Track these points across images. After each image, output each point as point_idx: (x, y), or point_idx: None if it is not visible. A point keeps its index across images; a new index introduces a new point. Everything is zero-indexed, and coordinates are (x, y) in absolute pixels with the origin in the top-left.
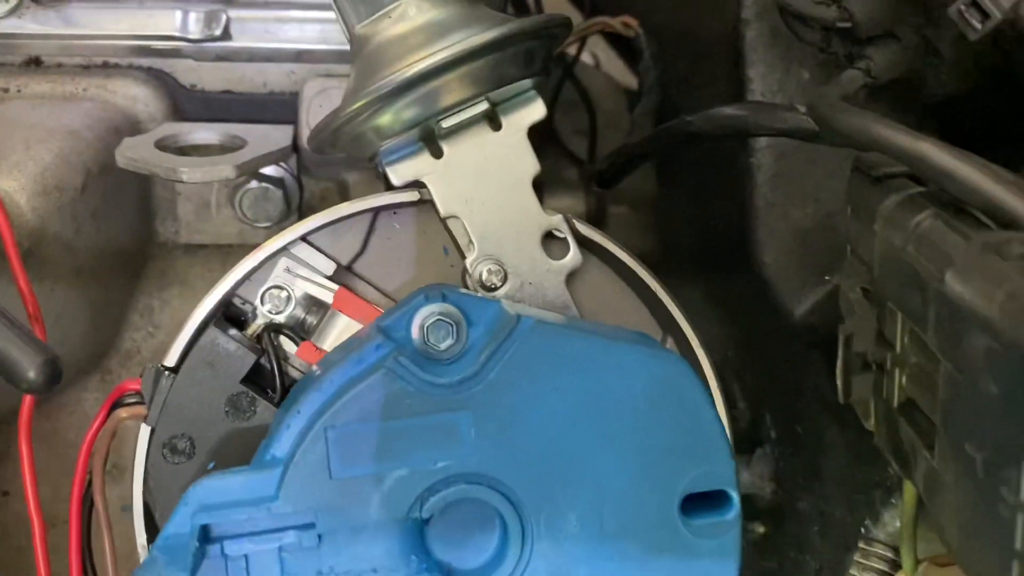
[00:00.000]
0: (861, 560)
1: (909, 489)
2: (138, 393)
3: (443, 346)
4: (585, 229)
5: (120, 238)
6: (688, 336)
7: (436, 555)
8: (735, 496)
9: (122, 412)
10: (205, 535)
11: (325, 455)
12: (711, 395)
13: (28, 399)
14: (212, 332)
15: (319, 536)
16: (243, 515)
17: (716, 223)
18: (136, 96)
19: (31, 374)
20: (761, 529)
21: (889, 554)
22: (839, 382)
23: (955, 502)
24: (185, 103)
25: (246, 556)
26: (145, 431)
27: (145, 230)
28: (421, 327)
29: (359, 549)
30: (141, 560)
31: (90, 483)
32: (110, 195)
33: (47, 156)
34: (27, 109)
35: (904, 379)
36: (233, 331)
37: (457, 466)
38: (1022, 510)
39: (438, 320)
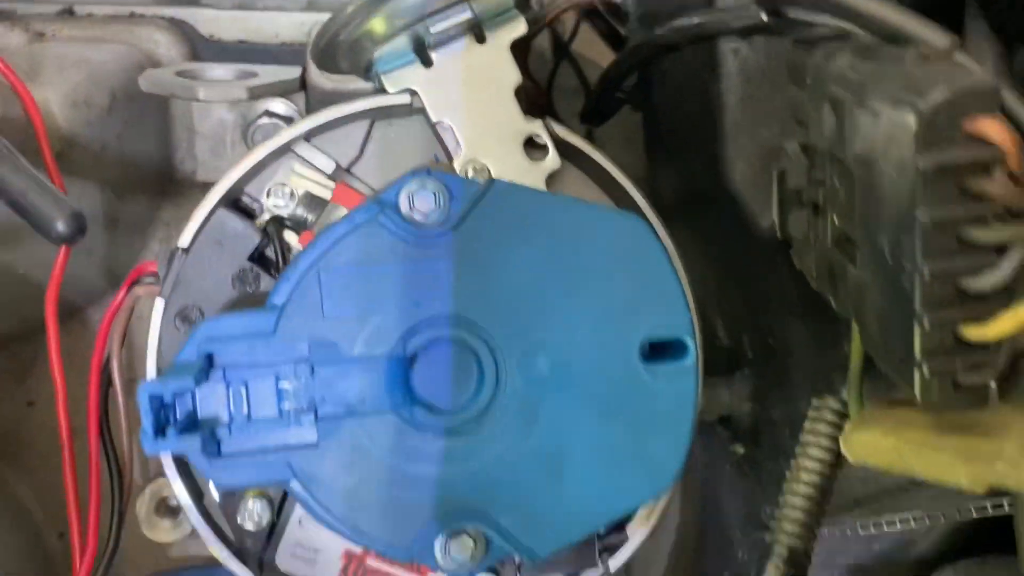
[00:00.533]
0: (813, 414)
1: (856, 339)
2: (154, 275)
3: (426, 211)
4: (564, 133)
5: (142, 167)
6: (661, 237)
7: (418, 392)
8: (692, 344)
9: (139, 290)
10: (210, 363)
11: (318, 296)
12: (668, 254)
13: (52, 309)
14: (221, 213)
15: (311, 368)
16: (244, 346)
17: (694, 158)
18: (159, 41)
19: (59, 225)
20: (741, 450)
21: (839, 406)
22: (776, 219)
23: (874, 301)
24: (203, 51)
25: (246, 383)
26: (159, 304)
27: (165, 166)
28: (408, 196)
29: (348, 383)
30: None
31: (108, 360)
32: (133, 122)
33: (77, 76)
34: (61, 46)
35: (835, 217)
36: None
37: (436, 309)
38: (918, 272)
39: (422, 190)
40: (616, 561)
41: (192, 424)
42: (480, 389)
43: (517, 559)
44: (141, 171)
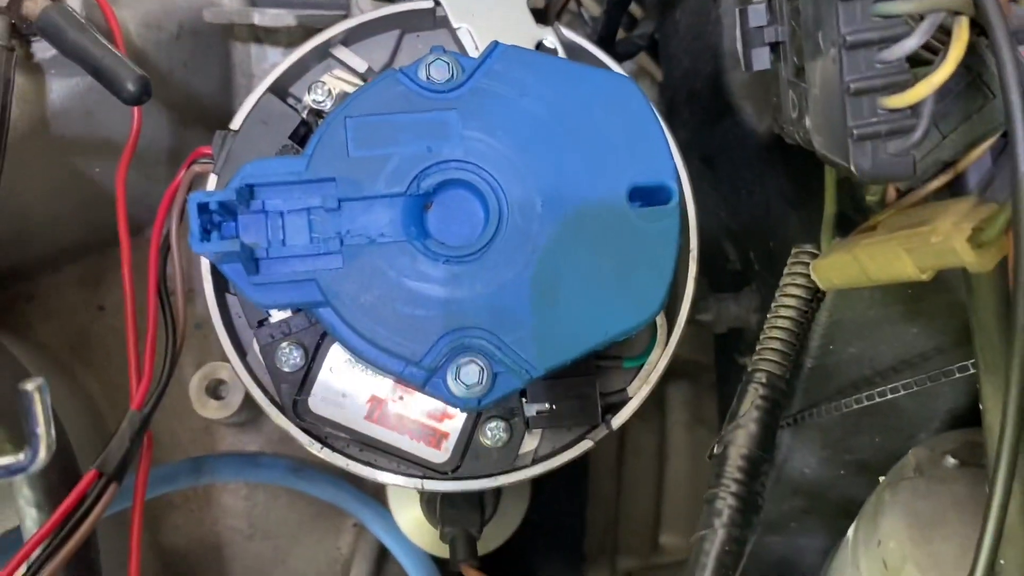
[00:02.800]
0: (791, 259)
1: (829, 181)
2: (210, 156)
3: (439, 78)
4: (572, 36)
5: (205, 102)
6: (668, 141)
7: (431, 226)
8: (674, 188)
9: (196, 168)
10: (251, 195)
11: (344, 139)
12: (654, 111)
13: (125, 230)
14: (267, 97)
15: (339, 202)
16: (281, 183)
17: (701, 81)
18: None
19: (130, 85)
20: (744, 361)
21: (814, 249)
22: (740, 56)
23: (820, 103)
24: (263, 2)
25: (282, 214)
26: (213, 179)
27: (226, 107)
28: (426, 66)
29: (370, 217)
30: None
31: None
32: (198, 56)
33: (151, 3)
34: None
35: (793, 53)
36: None
37: (446, 153)
38: (842, 43)
39: (438, 60)
40: (619, 419)
41: (234, 237)
42: (485, 224)
43: (526, 414)
44: (204, 106)
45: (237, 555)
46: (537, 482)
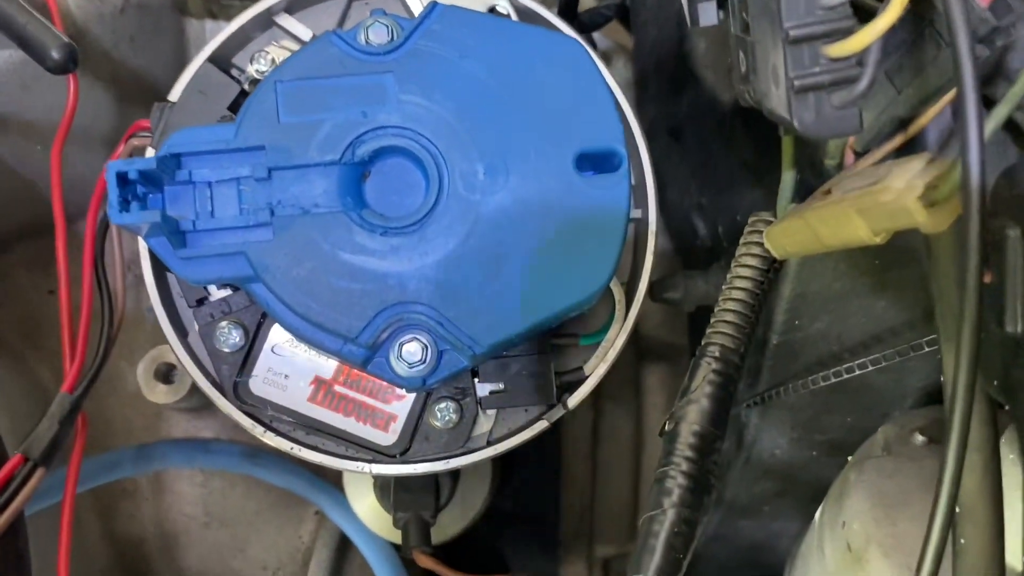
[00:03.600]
0: (748, 229)
1: (786, 146)
2: (148, 130)
3: (378, 41)
4: (526, 0)
5: (156, 74)
6: (625, 111)
7: (368, 197)
8: (623, 153)
9: (135, 142)
10: (177, 165)
11: (274, 104)
12: (602, 73)
13: (60, 211)
14: (205, 66)
15: (269, 171)
16: (209, 152)
17: (666, 52)
18: None
19: (54, 53)
20: None
21: (770, 217)
22: (686, 11)
23: (764, 56)
24: None
25: (210, 184)
26: (150, 153)
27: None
28: (364, 30)
29: (303, 187)
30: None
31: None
32: (147, 28)
33: None
34: None
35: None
36: None
37: (383, 119)
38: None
39: (376, 23)
40: (575, 399)
41: (156, 208)
42: (425, 194)
43: (478, 394)
44: (156, 83)
45: (193, 543)
46: (506, 467)
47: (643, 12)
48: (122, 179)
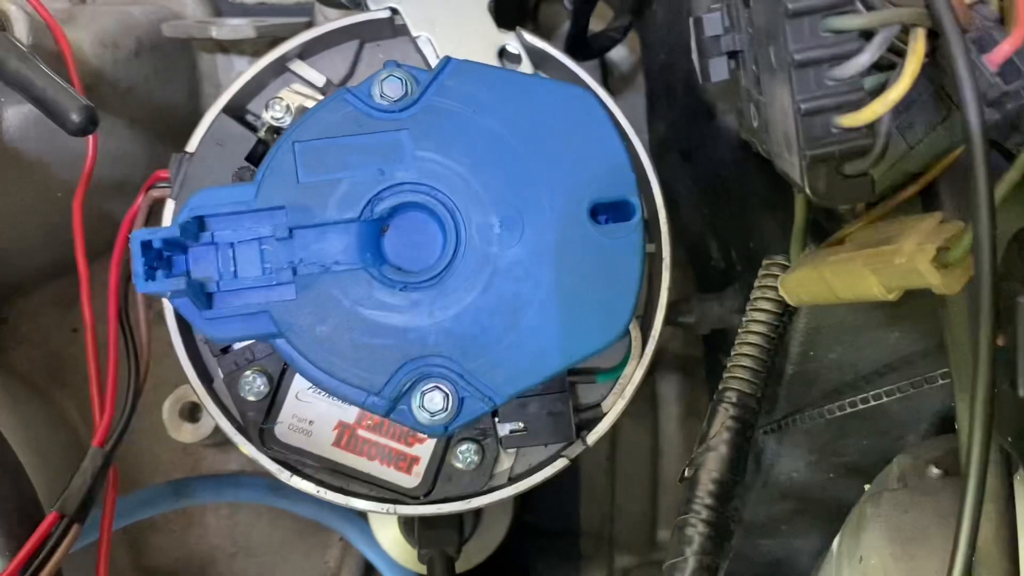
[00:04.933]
0: (762, 272)
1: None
2: (167, 180)
3: (393, 95)
4: (534, 40)
5: (171, 110)
6: (633, 142)
7: (387, 252)
8: (636, 203)
9: (154, 193)
10: (200, 227)
11: (293, 164)
12: (617, 123)
13: (83, 262)
14: (222, 118)
15: (290, 231)
16: (230, 213)
17: (677, 79)
18: (186, 3)
19: (74, 116)
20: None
21: (785, 261)
22: (697, 67)
23: (776, 118)
24: (226, 12)
25: (232, 245)
26: (170, 204)
27: (195, 118)
28: (378, 84)
29: (324, 245)
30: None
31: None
32: (161, 70)
33: (107, 21)
34: (98, 7)
35: (751, 61)
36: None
37: (400, 176)
38: (790, 60)
39: (391, 77)
40: (594, 436)
41: (181, 274)
42: (443, 248)
43: (499, 434)
44: (175, 118)
45: (222, 574)
46: None
47: (651, 33)
48: (146, 247)
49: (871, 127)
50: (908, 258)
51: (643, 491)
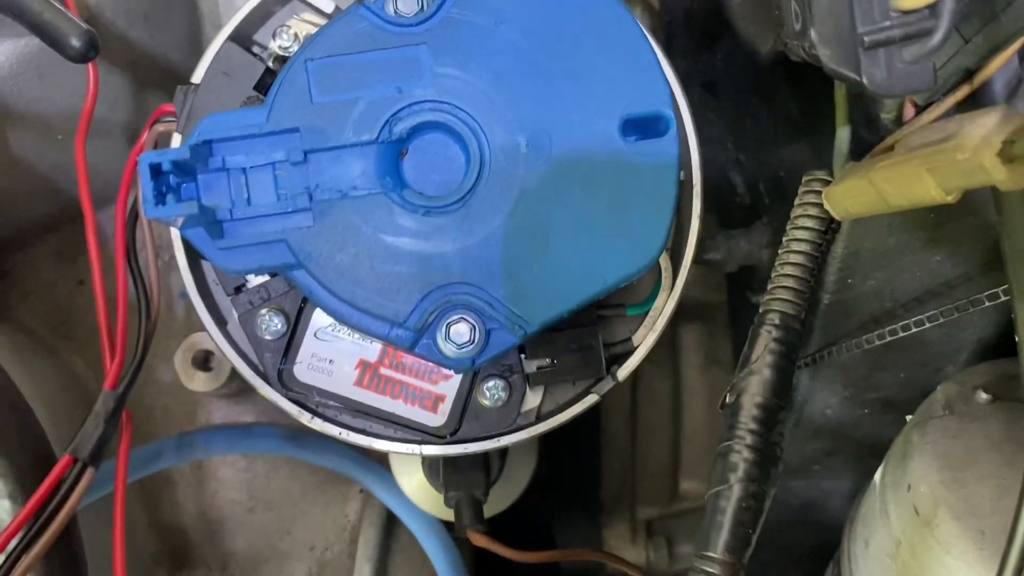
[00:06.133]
0: (803, 188)
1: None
2: (173, 114)
3: (407, 11)
4: None
5: (171, 54)
6: (665, 69)
7: (407, 176)
8: (671, 116)
9: (160, 127)
10: (209, 152)
11: (306, 84)
12: (645, 33)
13: (88, 203)
14: (228, 46)
15: (305, 154)
16: (241, 138)
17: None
18: None
19: (74, 41)
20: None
21: (826, 176)
22: None
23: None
24: None
25: (244, 171)
26: (177, 139)
27: (196, 56)
28: (393, 1)
29: (341, 169)
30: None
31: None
32: (161, 6)
33: None
34: None
35: None
36: None
37: (419, 94)
38: None
39: None
40: (624, 371)
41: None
42: (466, 170)
43: (526, 371)
44: (172, 63)
45: (240, 528)
46: (546, 436)
47: None
48: (155, 171)
49: (933, 8)
50: (972, 153)
51: (665, 442)
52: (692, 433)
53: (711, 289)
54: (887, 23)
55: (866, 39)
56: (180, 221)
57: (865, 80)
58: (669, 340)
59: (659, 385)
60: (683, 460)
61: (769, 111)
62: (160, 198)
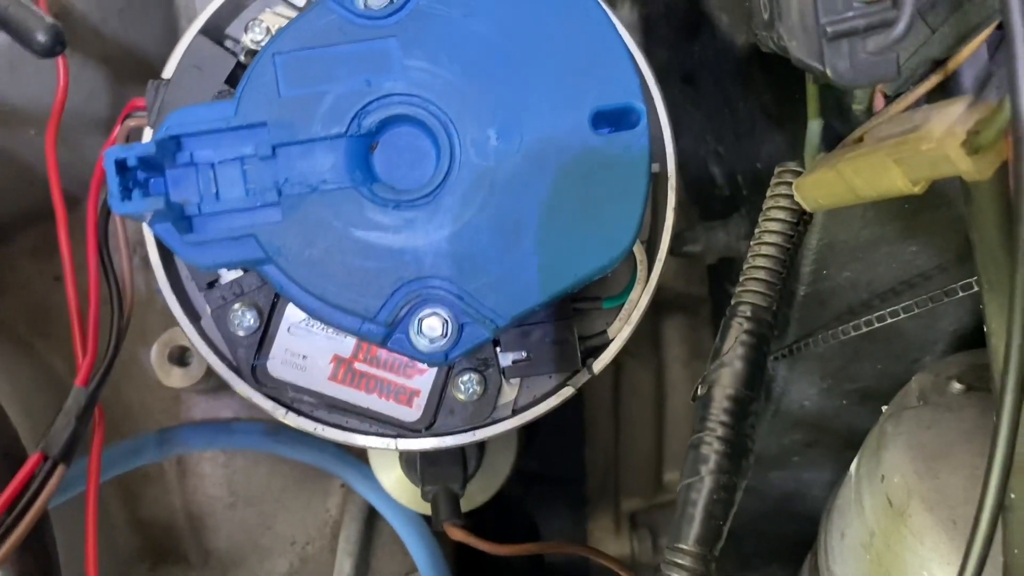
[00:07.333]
0: (774, 180)
1: (811, 92)
2: (144, 109)
3: (377, 4)
4: None
5: (146, 47)
6: (638, 60)
7: (377, 170)
8: (642, 109)
9: (131, 122)
10: (177, 147)
11: (274, 77)
12: (616, 25)
13: (59, 199)
14: (199, 40)
15: (273, 149)
16: (209, 132)
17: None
18: None
19: (40, 36)
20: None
21: (797, 167)
22: None
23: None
24: None
25: (212, 166)
26: (148, 133)
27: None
28: None
29: (310, 163)
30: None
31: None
32: (135, 3)
33: None
34: None
35: None
36: None
37: (388, 87)
38: None
39: None
40: (600, 363)
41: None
42: (436, 163)
43: (501, 364)
44: (148, 58)
45: (221, 523)
46: (528, 430)
47: None
48: (121, 166)
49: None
50: (936, 144)
51: (648, 434)
52: (675, 425)
53: (693, 282)
54: (850, 13)
55: (829, 30)
56: (149, 216)
57: (829, 71)
58: (652, 333)
59: (642, 378)
60: (667, 452)
61: (746, 103)
62: (127, 193)
